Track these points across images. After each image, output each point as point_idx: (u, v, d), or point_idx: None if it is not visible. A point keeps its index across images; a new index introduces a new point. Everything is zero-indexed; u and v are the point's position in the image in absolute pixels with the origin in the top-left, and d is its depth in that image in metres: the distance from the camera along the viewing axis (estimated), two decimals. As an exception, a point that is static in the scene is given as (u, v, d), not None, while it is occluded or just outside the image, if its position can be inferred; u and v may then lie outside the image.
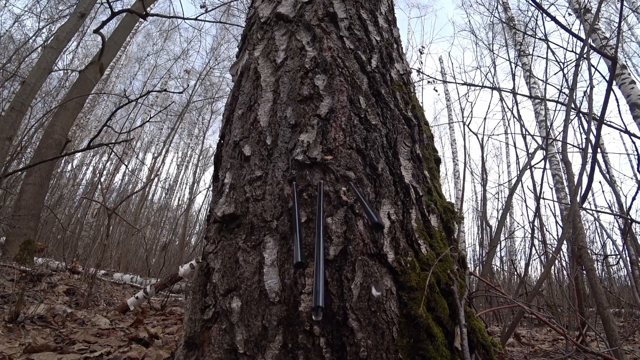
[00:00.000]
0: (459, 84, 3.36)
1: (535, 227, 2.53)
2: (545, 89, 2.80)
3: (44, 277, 2.77)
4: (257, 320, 0.72)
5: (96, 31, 3.29)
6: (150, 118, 3.12)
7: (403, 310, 0.69)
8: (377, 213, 0.45)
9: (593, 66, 2.24)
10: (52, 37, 1.41)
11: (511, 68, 3.15)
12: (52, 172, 3.63)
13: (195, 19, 3.71)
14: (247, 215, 0.80)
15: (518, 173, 2.34)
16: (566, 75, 3.30)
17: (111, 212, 2.79)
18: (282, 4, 1.09)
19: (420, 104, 1.20)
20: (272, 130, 0.87)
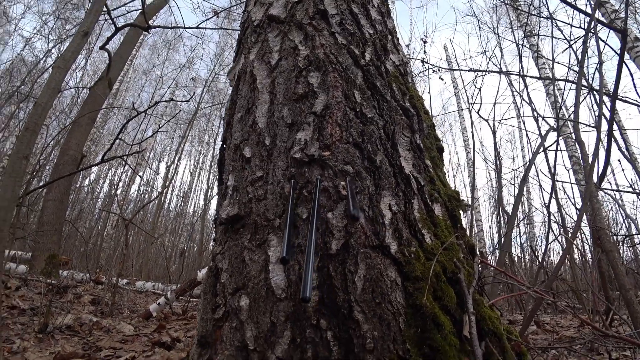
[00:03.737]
0: (464, 70, 3.30)
1: (550, 212, 2.47)
2: (552, 68, 2.71)
3: (69, 288, 2.87)
4: (266, 317, 0.73)
5: (102, 47, 3.38)
6: (159, 128, 3.20)
7: (409, 300, 0.69)
8: (356, 204, 0.45)
9: (602, 40, 2.17)
10: (59, 57, 1.47)
11: (518, 50, 3.07)
12: (70, 187, 3.76)
13: (197, 27, 3.77)
14: (250, 215, 0.82)
15: (531, 157, 2.29)
16: (576, 53, 3.20)
17: (128, 222, 2.87)
18: (273, 5, 1.10)
19: (420, 94, 1.19)
20: (271, 131, 0.88)
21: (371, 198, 0.76)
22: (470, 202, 3.09)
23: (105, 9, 2.39)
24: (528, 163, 2.13)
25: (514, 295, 1.60)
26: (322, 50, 0.97)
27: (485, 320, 0.71)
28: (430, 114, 1.17)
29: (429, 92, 4.66)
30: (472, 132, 3.51)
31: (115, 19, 3.16)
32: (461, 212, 0.95)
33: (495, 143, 3.64)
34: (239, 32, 1.21)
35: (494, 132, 3.58)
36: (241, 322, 0.75)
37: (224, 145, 1.03)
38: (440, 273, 0.73)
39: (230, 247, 0.82)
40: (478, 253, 1.00)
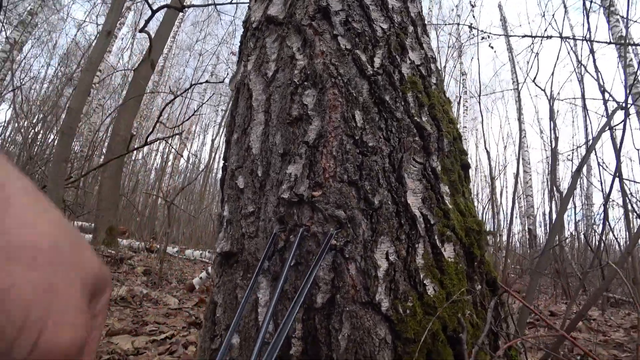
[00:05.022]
0: (518, 36, 2.83)
1: (608, 196, 2.15)
2: (627, 26, 2.20)
3: (125, 260, 3.21)
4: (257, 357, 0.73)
5: (142, 30, 3.44)
6: (195, 112, 3.27)
7: (398, 363, 0.63)
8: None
9: None
10: (87, 61, 1.50)
11: (585, 10, 2.52)
12: (122, 166, 4.10)
13: (230, 2, 3.66)
14: (242, 252, 0.79)
15: (595, 135, 1.97)
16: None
17: (170, 203, 3.05)
18: (273, 3, 0.98)
19: (445, 97, 1.03)
20: (264, 160, 0.82)
21: (365, 246, 0.68)
22: (516, 184, 2.80)
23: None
24: (586, 152, 1.83)
25: (539, 336, 1.46)
26: (321, 59, 0.85)
27: None
28: (456, 122, 1.01)
29: (478, 59, 4.15)
30: (520, 108, 3.09)
31: (150, 0, 3.16)
32: (483, 245, 0.83)
33: (551, 113, 3.20)
34: (242, 33, 1.11)
35: (550, 104, 3.13)
36: (233, 359, 0.75)
37: (225, 165, 1.00)
38: (439, 331, 0.66)
39: (225, 283, 0.81)
40: (499, 285, 0.89)
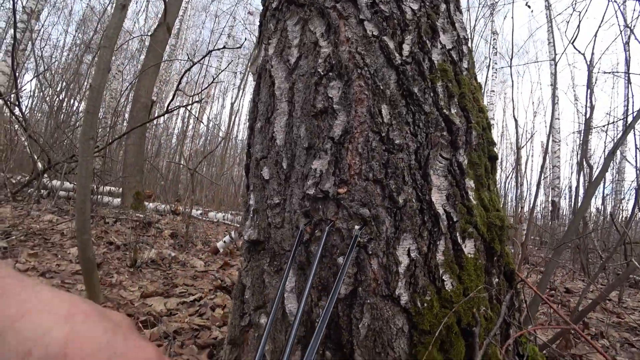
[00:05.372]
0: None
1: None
2: None
3: (152, 223, 3.39)
4: (281, 335, 0.80)
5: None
6: (214, 79, 3.24)
7: (412, 350, 0.68)
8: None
9: None
10: (103, 36, 1.49)
11: None
12: (145, 132, 4.21)
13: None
14: (269, 241, 0.84)
15: (636, 114, 1.85)
16: None
17: (193, 171, 3.14)
18: (296, -20, 0.93)
19: (476, 84, 0.99)
20: (288, 151, 0.83)
21: (388, 243, 0.71)
22: (545, 153, 2.71)
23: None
24: (622, 133, 1.73)
25: (553, 327, 1.48)
26: (346, 47, 0.82)
27: None
28: (486, 110, 0.98)
29: (512, 18, 3.83)
30: (555, 73, 2.87)
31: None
32: (504, 240, 0.84)
33: (589, 82, 3.00)
34: (261, 11, 1.07)
35: (589, 69, 2.92)
36: (261, 335, 0.82)
37: (249, 150, 1.02)
38: (454, 324, 0.69)
39: (252, 268, 0.87)
40: (517, 277, 0.91)
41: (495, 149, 0.98)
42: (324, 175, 0.75)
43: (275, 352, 0.80)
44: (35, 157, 4.06)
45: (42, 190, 4.25)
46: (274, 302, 0.81)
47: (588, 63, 3.10)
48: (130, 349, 0.24)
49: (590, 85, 3.44)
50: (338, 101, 0.78)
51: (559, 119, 8.19)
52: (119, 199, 4.29)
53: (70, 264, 2.19)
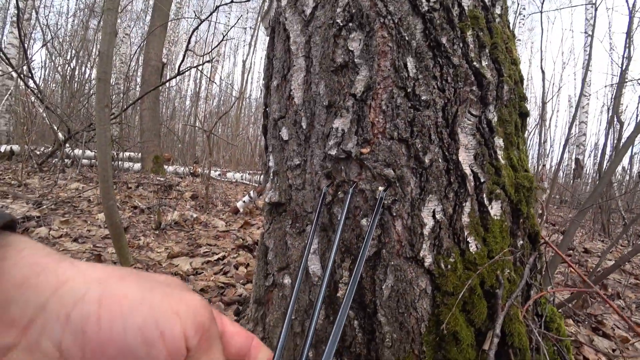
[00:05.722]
0: None
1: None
2: None
3: (173, 186, 3.48)
4: (305, 295, 0.82)
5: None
6: (224, 37, 3.10)
7: (435, 310, 0.69)
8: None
9: None
10: (106, -1, 1.42)
11: None
12: (159, 95, 4.16)
13: None
14: (290, 203, 0.83)
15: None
16: None
17: (209, 133, 3.14)
18: None
19: (510, 32, 0.90)
20: (307, 110, 0.80)
21: (413, 204, 0.69)
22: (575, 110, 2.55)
23: None
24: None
25: (572, 289, 1.45)
26: (370, -7, 0.75)
27: (512, 337, 0.69)
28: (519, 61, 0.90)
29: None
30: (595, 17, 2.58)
31: None
32: (531, 202, 0.81)
33: (629, 29, 2.74)
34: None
35: (630, 14, 2.64)
36: (285, 295, 0.85)
37: (266, 111, 0.98)
38: (477, 286, 0.69)
39: (275, 230, 0.88)
40: (541, 239, 0.89)
41: (526, 105, 0.92)
42: (345, 134, 0.72)
43: (299, 311, 0.83)
44: (55, 128, 4.14)
45: (65, 160, 4.38)
46: (298, 264, 0.83)
47: (630, 7, 2.79)
48: (170, 302, 0.24)
49: (629, 33, 3.12)
50: (359, 54, 0.73)
51: (590, 70, 7.61)
52: (139, 164, 4.40)
53: (99, 229, 2.30)
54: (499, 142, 0.79)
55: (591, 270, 2.06)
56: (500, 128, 0.80)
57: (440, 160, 0.71)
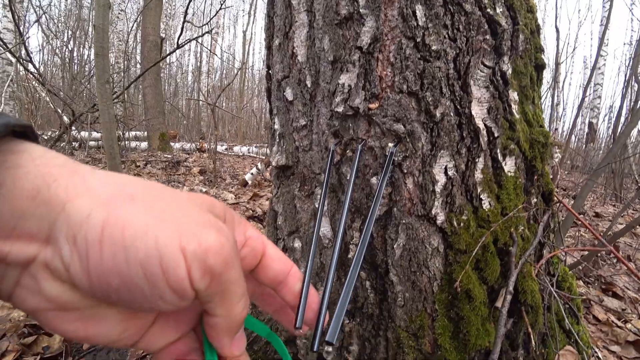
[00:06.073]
0: None
1: None
2: None
3: (181, 162, 3.49)
4: (315, 258, 0.83)
5: None
6: (221, 7, 2.98)
7: (447, 268, 0.68)
8: (337, 326, 0.32)
9: None
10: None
11: None
12: (160, 72, 4.08)
13: None
14: (298, 165, 0.82)
15: None
16: None
17: (213, 105, 3.10)
18: None
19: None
20: (312, 68, 0.76)
21: (424, 161, 0.67)
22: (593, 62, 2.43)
23: None
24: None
25: (586, 249, 1.42)
26: None
27: (525, 294, 0.68)
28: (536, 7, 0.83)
29: None
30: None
31: None
32: (546, 158, 0.78)
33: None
34: None
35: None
36: (296, 259, 0.86)
37: (269, 73, 0.95)
38: (490, 244, 0.68)
39: (283, 194, 0.87)
40: (555, 198, 0.86)
41: (543, 57, 0.87)
42: (352, 90, 0.69)
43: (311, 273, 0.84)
44: (60, 111, 4.11)
45: (73, 143, 4.40)
46: (308, 227, 0.83)
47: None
48: (178, 238, 0.21)
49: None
50: (365, 4, 0.68)
51: (609, 28, 7.19)
52: (145, 143, 4.40)
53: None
54: (513, 95, 0.75)
55: (602, 233, 2.04)
56: (514, 80, 0.76)
57: (452, 114, 0.67)
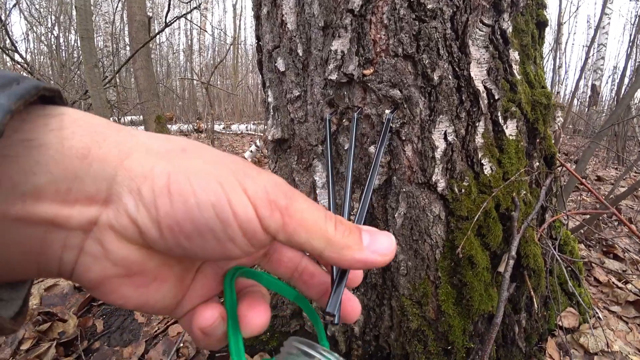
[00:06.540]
0: None
1: None
2: None
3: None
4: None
5: None
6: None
7: (449, 235, 0.68)
8: (337, 299, 0.30)
9: None
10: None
11: None
12: (150, 52, 3.94)
13: None
14: (294, 138, 0.80)
15: None
16: None
17: (207, 84, 3.03)
18: None
19: None
20: (302, 35, 0.73)
21: (423, 127, 0.65)
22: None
23: None
24: None
25: (589, 212, 1.41)
26: None
27: (528, 258, 0.68)
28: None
29: None
30: None
31: None
32: (548, 120, 0.76)
33: None
34: None
35: None
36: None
37: (259, 44, 0.91)
38: (492, 209, 0.67)
39: (281, 168, 0.85)
40: (557, 162, 0.85)
41: (545, 13, 0.82)
42: (345, 56, 0.66)
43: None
44: (52, 100, 3.99)
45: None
46: (307, 196, 0.82)
47: None
48: (237, 178, 0.21)
49: None
50: (357, -39, 0.64)
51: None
52: (142, 127, 4.34)
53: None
54: (514, 55, 0.72)
55: (604, 196, 2.04)
56: (515, 39, 0.72)
57: (450, 76, 0.65)
